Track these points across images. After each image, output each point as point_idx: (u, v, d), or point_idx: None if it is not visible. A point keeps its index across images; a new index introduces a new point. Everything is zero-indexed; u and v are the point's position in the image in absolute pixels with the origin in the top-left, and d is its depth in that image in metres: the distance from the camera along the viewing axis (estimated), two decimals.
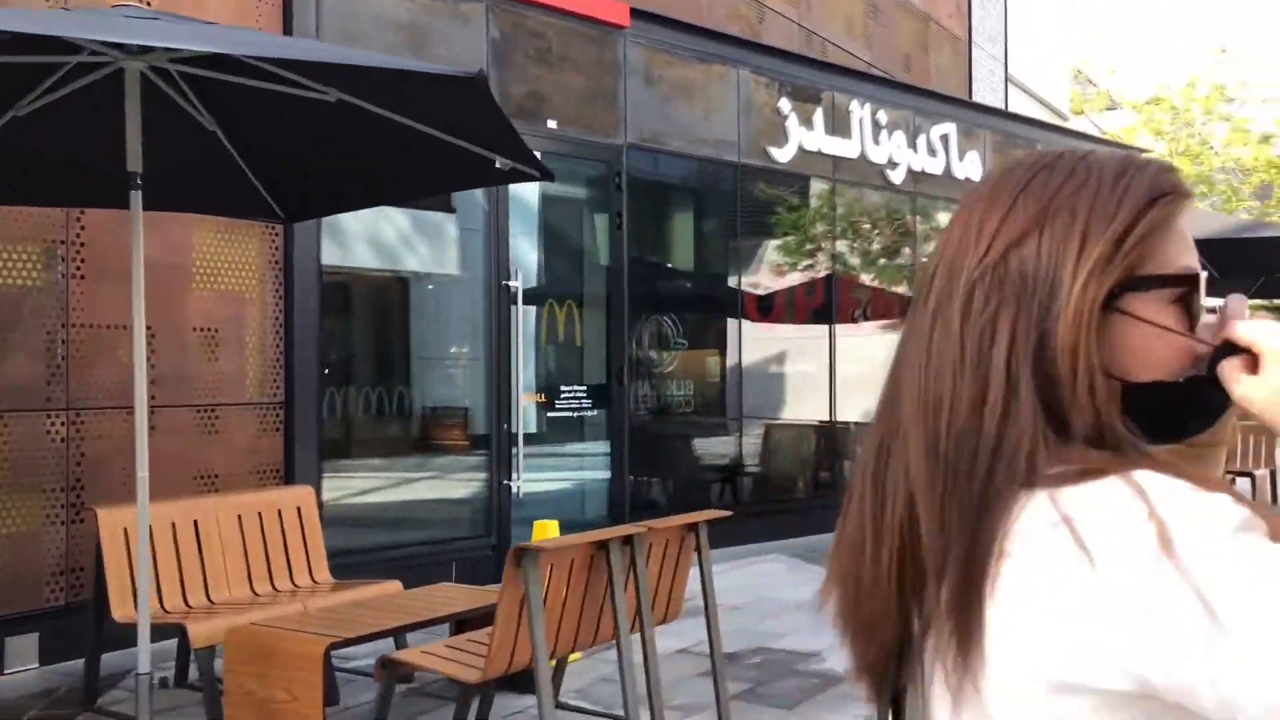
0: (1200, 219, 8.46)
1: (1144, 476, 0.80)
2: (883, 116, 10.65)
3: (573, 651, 4.19)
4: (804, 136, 9.86)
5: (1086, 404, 0.86)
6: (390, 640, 4.75)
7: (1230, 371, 0.88)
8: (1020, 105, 18.30)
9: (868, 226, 10.90)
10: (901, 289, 11.39)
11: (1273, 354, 0.86)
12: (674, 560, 4.41)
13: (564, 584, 3.83)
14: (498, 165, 4.29)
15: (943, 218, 11.69)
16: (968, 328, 0.88)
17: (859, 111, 10.40)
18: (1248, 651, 0.72)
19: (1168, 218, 0.90)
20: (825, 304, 10.46)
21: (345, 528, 6.91)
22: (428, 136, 4.19)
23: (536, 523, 5.54)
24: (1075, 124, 22.60)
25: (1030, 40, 21.08)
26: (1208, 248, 8.98)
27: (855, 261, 10.90)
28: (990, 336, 0.87)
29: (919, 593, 0.90)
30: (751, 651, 5.68)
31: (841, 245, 10.58)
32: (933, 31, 15.51)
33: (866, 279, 11.06)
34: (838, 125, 10.23)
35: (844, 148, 10.28)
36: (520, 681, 4.83)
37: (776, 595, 7.15)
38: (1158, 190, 0.90)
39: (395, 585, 5.20)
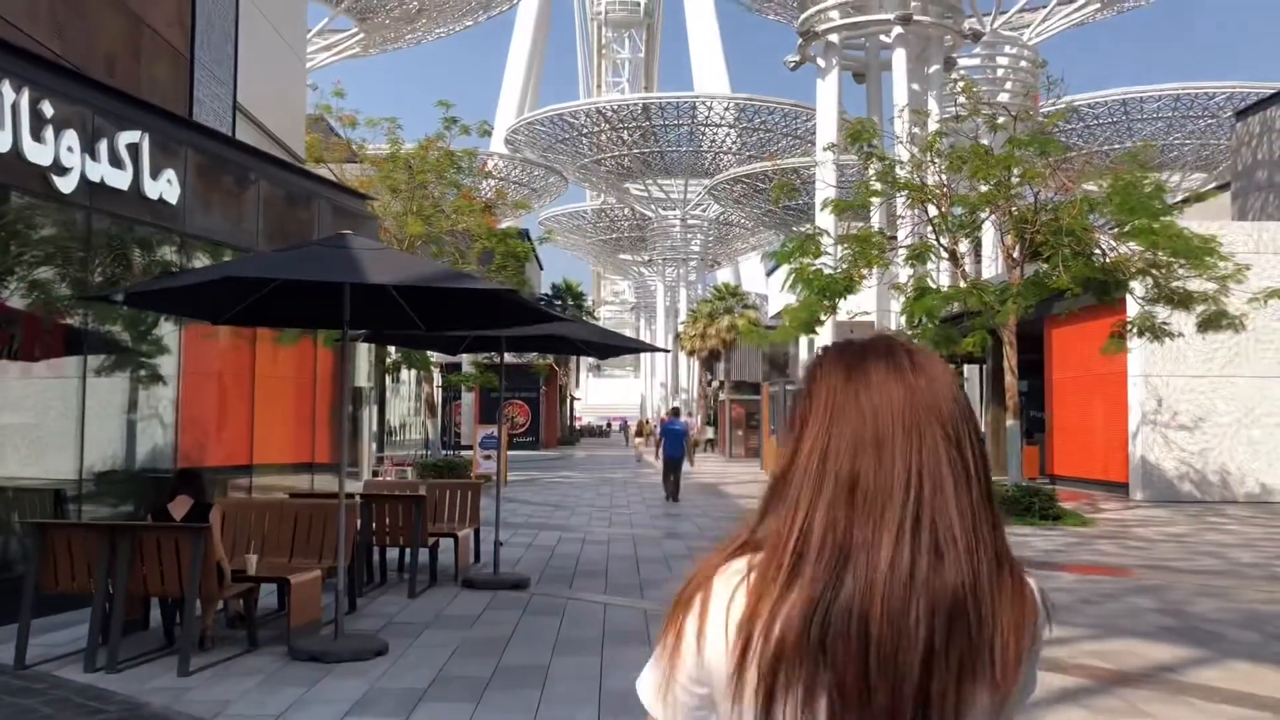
0: (407, 264, 7.77)
1: None
2: (49, 108, 8.56)
3: None
4: None
5: None
6: None
7: None
8: (251, 138, 17.02)
9: (23, 240, 8.66)
10: (73, 321, 9.29)
11: None
12: None
13: None
14: None
15: (138, 240, 9.82)
16: (968, 453, 1.18)
17: (11, 95, 8.20)
18: None
19: None
20: None
21: None
22: None
23: None
24: (312, 168, 21.89)
25: (267, 78, 20.01)
26: (413, 294, 8.34)
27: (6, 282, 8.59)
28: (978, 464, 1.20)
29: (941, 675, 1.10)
30: None
31: None
32: (147, 37, 13.59)
33: (21, 305, 8.78)
34: None
35: None
36: None
37: None
38: None
39: None
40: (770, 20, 49.37)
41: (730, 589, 1.14)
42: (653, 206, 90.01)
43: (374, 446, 32.33)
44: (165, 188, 9.97)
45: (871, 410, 1.16)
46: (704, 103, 77.08)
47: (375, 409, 35.33)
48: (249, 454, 12.06)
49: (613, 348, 10.83)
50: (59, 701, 6.00)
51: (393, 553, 11.01)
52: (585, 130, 76.68)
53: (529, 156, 75.45)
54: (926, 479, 1.14)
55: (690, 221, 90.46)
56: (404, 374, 35.43)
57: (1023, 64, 48.32)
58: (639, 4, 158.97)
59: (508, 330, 10.16)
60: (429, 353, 30.42)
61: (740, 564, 1.16)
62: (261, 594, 8.62)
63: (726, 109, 75.14)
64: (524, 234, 38.28)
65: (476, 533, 12.27)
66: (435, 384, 32.04)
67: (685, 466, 24.14)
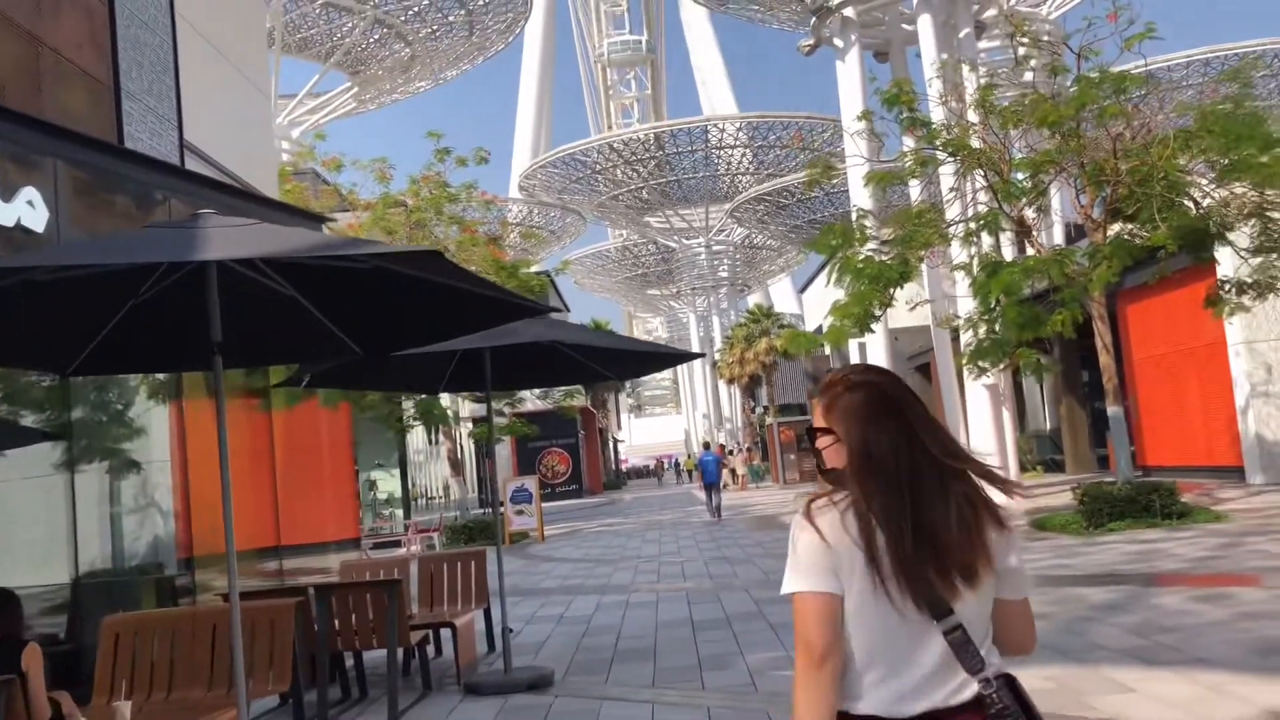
0: (273, 235, 5.33)
1: None
2: None
3: None
4: None
5: None
6: None
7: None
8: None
9: None
10: None
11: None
12: None
13: None
14: None
15: None
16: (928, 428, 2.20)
17: None
18: None
19: None
20: None
21: None
22: None
23: None
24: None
25: (226, 117, 17.90)
26: (328, 297, 5.90)
27: None
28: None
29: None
30: None
31: None
32: (48, 60, 11.39)
33: None
34: None
35: None
36: None
37: None
38: None
39: None
40: (775, 29, 46.80)
41: (838, 514, 2.03)
42: (675, 237, 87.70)
43: (401, 514, 29.98)
44: (25, 210, 7.61)
45: (882, 417, 2.10)
46: (716, 125, 74.98)
47: (397, 472, 32.86)
48: (189, 545, 9.60)
49: (623, 355, 8.23)
50: None
51: (379, 654, 8.50)
52: (599, 167, 74.70)
53: (544, 199, 73.49)
54: (919, 452, 2.07)
55: (715, 248, 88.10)
56: (436, 433, 33.12)
57: (1045, 38, 45.57)
58: (640, 42, 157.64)
59: (480, 340, 7.68)
60: (445, 404, 28.00)
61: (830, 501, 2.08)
62: None
63: (739, 129, 72.96)
64: (545, 274, 36.01)
65: (487, 613, 9.75)
66: (457, 439, 29.72)
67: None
